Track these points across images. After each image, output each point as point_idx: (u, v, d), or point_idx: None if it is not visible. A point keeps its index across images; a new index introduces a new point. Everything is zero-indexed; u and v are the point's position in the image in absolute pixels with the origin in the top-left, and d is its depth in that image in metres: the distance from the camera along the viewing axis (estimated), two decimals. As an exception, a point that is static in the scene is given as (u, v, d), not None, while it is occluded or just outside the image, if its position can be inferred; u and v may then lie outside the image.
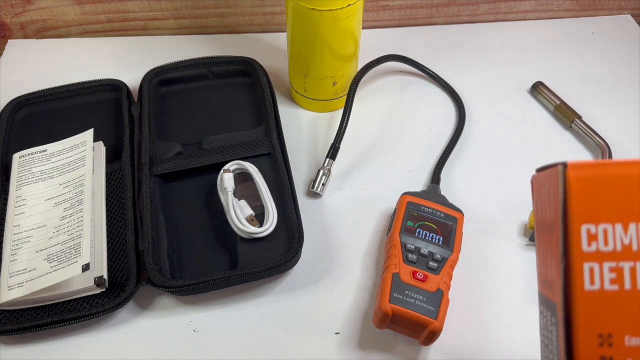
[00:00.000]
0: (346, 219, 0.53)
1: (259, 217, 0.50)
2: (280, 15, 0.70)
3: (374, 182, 0.56)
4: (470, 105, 0.62)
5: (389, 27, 0.72)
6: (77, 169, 0.51)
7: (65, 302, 0.45)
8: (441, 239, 0.46)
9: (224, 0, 0.68)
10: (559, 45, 0.69)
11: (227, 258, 0.48)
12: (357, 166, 0.57)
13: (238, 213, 0.48)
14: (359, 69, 0.60)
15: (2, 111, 0.57)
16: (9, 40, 0.69)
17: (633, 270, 0.24)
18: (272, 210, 0.48)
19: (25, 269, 0.45)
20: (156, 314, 0.47)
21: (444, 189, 0.54)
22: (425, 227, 0.47)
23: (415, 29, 0.71)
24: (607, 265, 0.24)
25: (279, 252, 0.47)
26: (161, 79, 0.60)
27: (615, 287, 0.24)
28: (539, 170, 0.28)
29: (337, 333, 0.46)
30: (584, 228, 0.24)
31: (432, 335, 0.41)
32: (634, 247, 0.24)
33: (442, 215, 0.48)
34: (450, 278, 0.45)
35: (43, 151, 0.54)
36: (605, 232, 0.24)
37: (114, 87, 0.60)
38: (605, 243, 0.24)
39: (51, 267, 0.45)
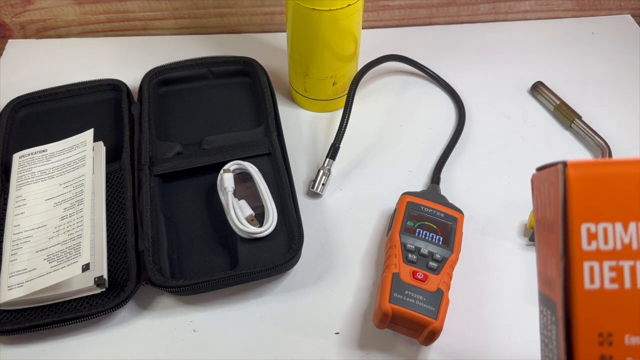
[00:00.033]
0: (346, 219, 0.53)
1: (259, 217, 0.50)
2: (280, 15, 0.70)
3: (374, 182, 0.56)
4: (470, 105, 0.62)
5: (389, 27, 0.72)
6: (77, 169, 0.51)
7: (65, 302, 0.45)
8: (441, 239, 0.46)
9: (224, 0, 0.68)
10: (559, 45, 0.69)
11: (227, 258, 0.48)
12: (357, 166, 0.57)
13: (238, 213, 0.48)
14: (359, 69, 0.60)
15: (2, 111, 0.57)
16: (9, 40, 0.69)
17: (633, 269, 0.24)
18: (272, 210, 0.48)
19: (25, 269, 0.45)
20: (156, 314, 0.47)
21: (444, 189, 0.54)
22: (425, 227, 0.47)
23: (415, 29, 0.71)
24: (607, 264, 0.24)
25: (279, 252, 0.47)
26: (161, 79, 0.60)
27: (615, 286, 0.24)
28: (539, 169, 0.28)
29: (337, 333, 0.46)
30: (584, 227, 0.24)
31: (432, 335, 0.41)
32: (634, 246, 0.24)
33: (442, 215, 0.48)
34: (450, 278, 0.45)
35: (43, 151, 0.54)
36: (605, 231, 0.24)
37: (114, 87, 0.60)
38: (606, 242, 0.24)
39: (51, 267, 0.45)
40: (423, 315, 0.41)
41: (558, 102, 0.61)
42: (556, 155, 0.58)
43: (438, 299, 0.42)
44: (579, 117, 0.59)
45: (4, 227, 0.49)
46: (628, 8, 0.73)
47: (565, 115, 0.60)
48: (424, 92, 0.64)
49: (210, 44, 0.69)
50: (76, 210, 0.48)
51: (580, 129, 0.59)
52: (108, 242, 0.48)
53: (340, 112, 0.59)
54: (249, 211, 0.49)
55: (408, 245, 0.45)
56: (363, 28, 0.68)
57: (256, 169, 0.51)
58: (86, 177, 0.50)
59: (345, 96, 0.57)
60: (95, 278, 0.45)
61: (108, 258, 0.47)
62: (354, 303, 0.47)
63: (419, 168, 0.57)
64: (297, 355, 0.44)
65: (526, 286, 0.48)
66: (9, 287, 0.44)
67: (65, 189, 0.50)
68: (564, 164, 0.25)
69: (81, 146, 0.53)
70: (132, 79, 0.62)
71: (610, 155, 0.56)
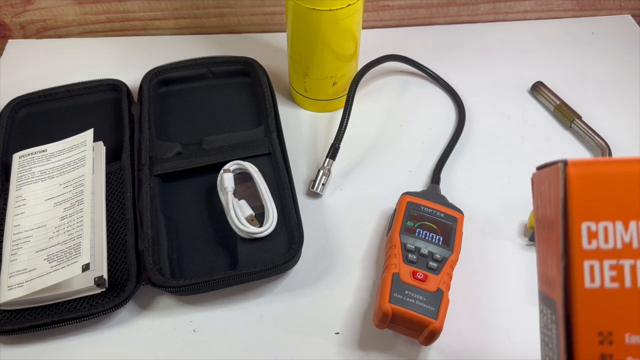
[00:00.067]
0: (346, 219, 0.53)
1: (259, 217, 0.50)
2: (280, 15, 0.70)
3: (374, 182, 0.56)
4: (470, 105, 0.62)
5: (389, 27, 0.72)
6: (77, 169, 0.51)
7: (65, 302, 0.45)
8: (441, 239, 0.46)
9: (224, 0, 0.68)
10: (559, 45, 0.69)
11: (227, 258, 0.48)
12: (357, 166, 0.57)
13: (238, 213, 0.48)
14: (359, 69, 0.60)
15: (2, 111, 0.57)
16: (9, 40, 0.69)
17: (633, 268, 0.24)
18: (272, 210, 0.48)
19: (25, 269, 0.45)
20: (156, 314, 0.47)
21: (444, 189, 0.54)
22: (425, 227, 0.47)
23: (415, 29, 0.71)
24: (607, 263, 0.24)
25: (279, 252, 0.47)
26: (161, 79, 0.60)
27: (615, 284, 0.24)
28: (540, 168, 0.28)
29: (337, 333, 0.46)
30: (584, 226, 0.24)
31: (432, 335, 0.41)
32: (635, 244, 0.24)
33: (442, 215, 0.48)
34: (450, 278, 0.44)
35: (43, 151, 0.54)
36: (605, 229, 0.24)
37: (114, 87, 0.60)
38: (606, 241, 0.24)
39: (51, 267, 0.45)
40: (423, 315, 0.41)
41: (558, 102, 0.61)
42: (556, 155, 0.58)
43: (438, 299, 0.42)
44: (579, 117, 0.59)
45: (4, 227, 0.49)
46: (628, 8, 0.73)
47: (565, 115, 0.60)
48: (424, 92, 0.64)
49: (210, 44, 0.69)
50: (76, 210, 0.48)
51: (580, 129, 0.59)
52: (108, 242, 0.48)
53: (340, 112, 0.59)
54: (249, 211, 0.49)
55: (408, 245, 0.45)
56: (363, 28, 0.68)
57: (256, 169, 0.51)
58: (86, 177, 0.50)
59: (345, 96, 0.57)
60: (95, 278, 0.45)
61: (108, 258, 0.47)
62: (354, 303, 0.47)
63: (419, 168, 0.57)
64: (297, 355, 0.44)
65: (526, 286, 0.48)
66: (9, 287, 0.44)
67: (65, 189, 0.50)
68: (565, 162, 0.25)
69: (81, 146, 0.53)
70: (132, 79, 0.62)
71: (610, 155, 0.56)
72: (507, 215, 0.53)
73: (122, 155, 0.53)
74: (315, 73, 0.57)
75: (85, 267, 0.44)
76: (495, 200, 0.54)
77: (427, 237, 0.46)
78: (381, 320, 0.42)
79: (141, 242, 0.48)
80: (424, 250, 0.45)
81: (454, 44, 0.69)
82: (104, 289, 0.45)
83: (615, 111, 0.62)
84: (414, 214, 0.47)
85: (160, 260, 0.47)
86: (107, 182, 0.52)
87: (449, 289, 0.43)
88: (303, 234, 0.47)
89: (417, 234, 0.46)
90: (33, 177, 0.52)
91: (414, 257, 0.44)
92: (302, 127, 0.60)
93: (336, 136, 0.55)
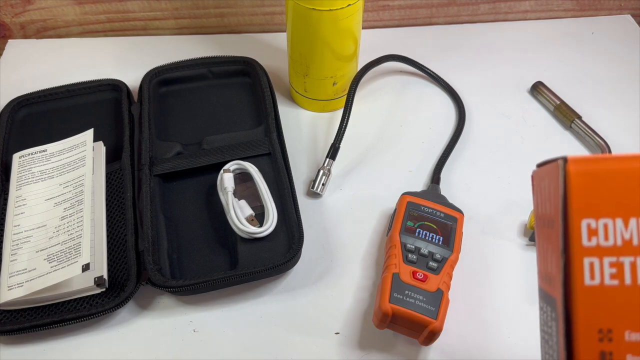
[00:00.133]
0: (346, 219, 0.53)
1: (259, 217, 0.50)
2: (280, 15, 0.70)
3: (374, 182, 0.56)
4: (470, 105, 0.62)
5: (389, 27, 0.72)
6: (77, 169, 0.51)
7: (65, 302, 0.45)
8: (441, 239, 0.46)
9: (224, 0, 0.68)
10: (559, 45, 0.69)
11: (227, 258, 0.48)
12: (357, 166, 0.57)
13: (238, 213, 0.48)
14: (359, 69, 0.60)
15: (2, 111, 0.57)
16: (9, 40, 0.69)
17: (633, 265, 0.24)
18: (272, 210, 0.48)
19: (25, 269, 0.45)
20: (156, 314, 0.47)
21: (444, 189, 0.54)
22: (425, 227, 0.46)
23: (415, 29, 0.71)
24: (607, 260, 0.24)
25: (279, 252, 0.47)
26: (161, 79, 0.60)
27: (615, 282, 0.24)
28: (540, 165, 0.28)
29: (337, 333, 0.46)
30: (584, 223, 0.24)
31: (432, 335, 0.41)
32: (635, 242, 0.24)
33: (442, 215, 0.48)
34: (450, 278, 0.44)
35: (43, 151, 0.54)
36: (605, 226, 0.24)
37: (114, 87, 0.60)
38: (606, 238, 0.24)
39: (51, 267, 0.45)
40: (423, 315, 0.41)
41: (558, 102, 0.61)
42: (556, 155, 0.58)
43: (438, 299, 0.42)
44: (579, 117, 0.59)
45: (4, 227, 0.49)
46: (628, 8, 0.73)
47: (565, 115, 0.60)
48: (424, 92, 0.64)
49: (210, 44, 0.69)
50: (76, 210, 0.48)
51: (580, 129, 0.59)
52: (108, 242, 0.48)
53: (340, 112, 0.59)
54: (249, 211, 0.49)
55: (408, 245, 0.45)
56: (363, 28, 0.68)
57: (256, 169, 0.51)
58: (86, 177, 0.50)
59: (345, 96, 0.57)
60: (95, 278, 0.45)
61: (108, 258, 0.47)
62: (354, 303, 0.47)
63: (419, 168, 0.57)
64: (297, 355, 0.44)
65: (526, 286, 0.48)
66: (9, 287, 0.44)
67: (65, 189, 0.50)
68: (565, 159, 0.25)
69: (81, 146, 0.53)
70: (132, 79, 0.62)
71: (610, 154, 0.56)
72: (507, 215, 0.53)
73: (122, 155, 0.53)
74: (315, 73, 0.57)
75: (85, 267, 0.44)
76: (495, 200, 0.54)
77: (427, 237, 0.46)
78: (381, 320, 0.42)
79: (141, 242, 0.48)
80: (424, 250, 0.45)
81: (454, 44, 0.69)
82: (104, 289, 0.45)
83: (615, 111, 0.62)
84: (414, 214, 0.47)
85: (160, 260, 0.47)
86: (107, 182, 0.52)
87: (449, 289, 0.43)
88: (303, 234, 0.47)
89: (417, 234, 0.46)
90: (33, 177, 0.52)
91: (414, 257, 0.44)
92: (302, 127, 0.60)
93: (336, 136, 0.55)
